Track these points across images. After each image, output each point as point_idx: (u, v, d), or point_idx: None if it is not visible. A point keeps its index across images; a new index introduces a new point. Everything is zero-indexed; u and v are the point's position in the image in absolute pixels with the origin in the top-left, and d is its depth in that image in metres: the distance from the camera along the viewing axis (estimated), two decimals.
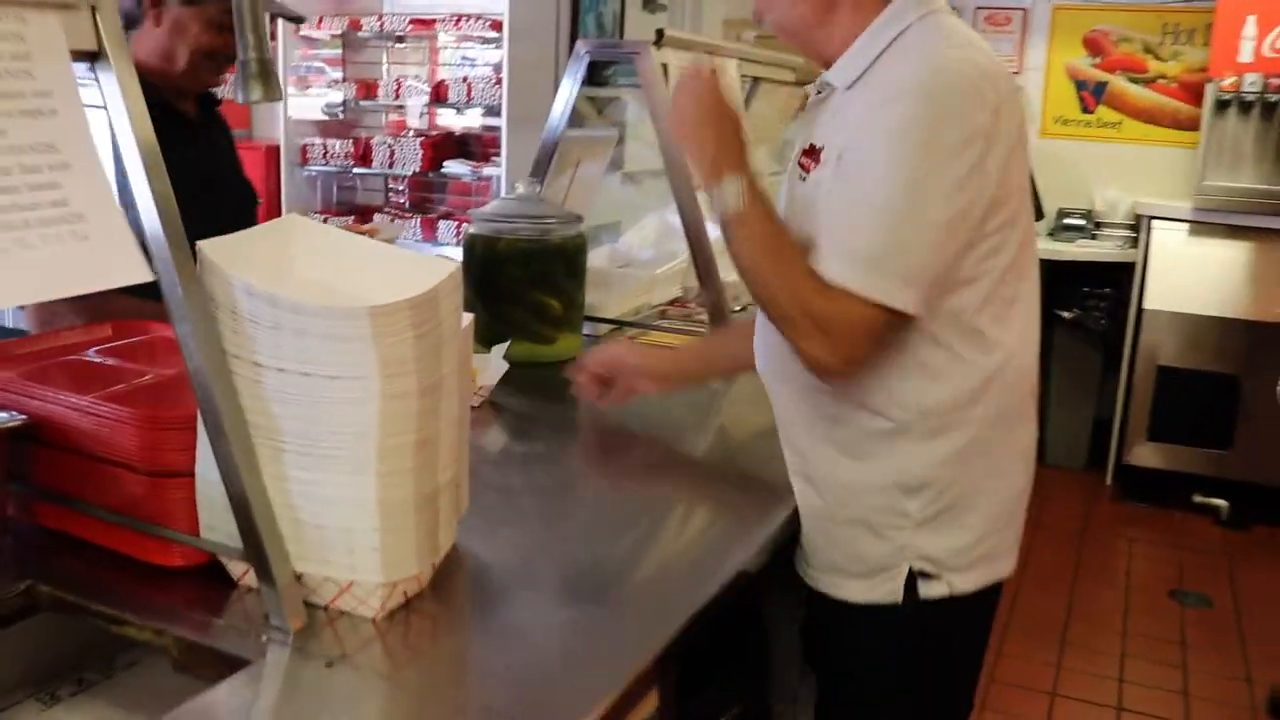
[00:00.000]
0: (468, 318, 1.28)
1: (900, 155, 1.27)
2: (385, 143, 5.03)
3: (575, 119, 2.55)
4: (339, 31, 4.95)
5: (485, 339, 2.21)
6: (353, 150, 5.09)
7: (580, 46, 2.24)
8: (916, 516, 1.39)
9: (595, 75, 2.48)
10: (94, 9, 1.00)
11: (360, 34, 4.96)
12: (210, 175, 1.96)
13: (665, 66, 2.18)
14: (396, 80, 5.09)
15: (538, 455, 1.82)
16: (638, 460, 1.84)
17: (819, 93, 1.46)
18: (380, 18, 4.86)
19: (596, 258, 2.81)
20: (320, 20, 4.98)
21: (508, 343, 2.00)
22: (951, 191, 1.27)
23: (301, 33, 5.05)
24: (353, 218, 5.21)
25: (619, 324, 2.47)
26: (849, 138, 1.33)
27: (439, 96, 4.91)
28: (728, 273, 2.97)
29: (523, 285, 2.18)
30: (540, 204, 2.22)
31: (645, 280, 2.65)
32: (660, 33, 2.13)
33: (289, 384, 1.11)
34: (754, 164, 1.38)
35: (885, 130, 1.29)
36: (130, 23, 1.89)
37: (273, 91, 1.21)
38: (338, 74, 5.25)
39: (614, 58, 2.13)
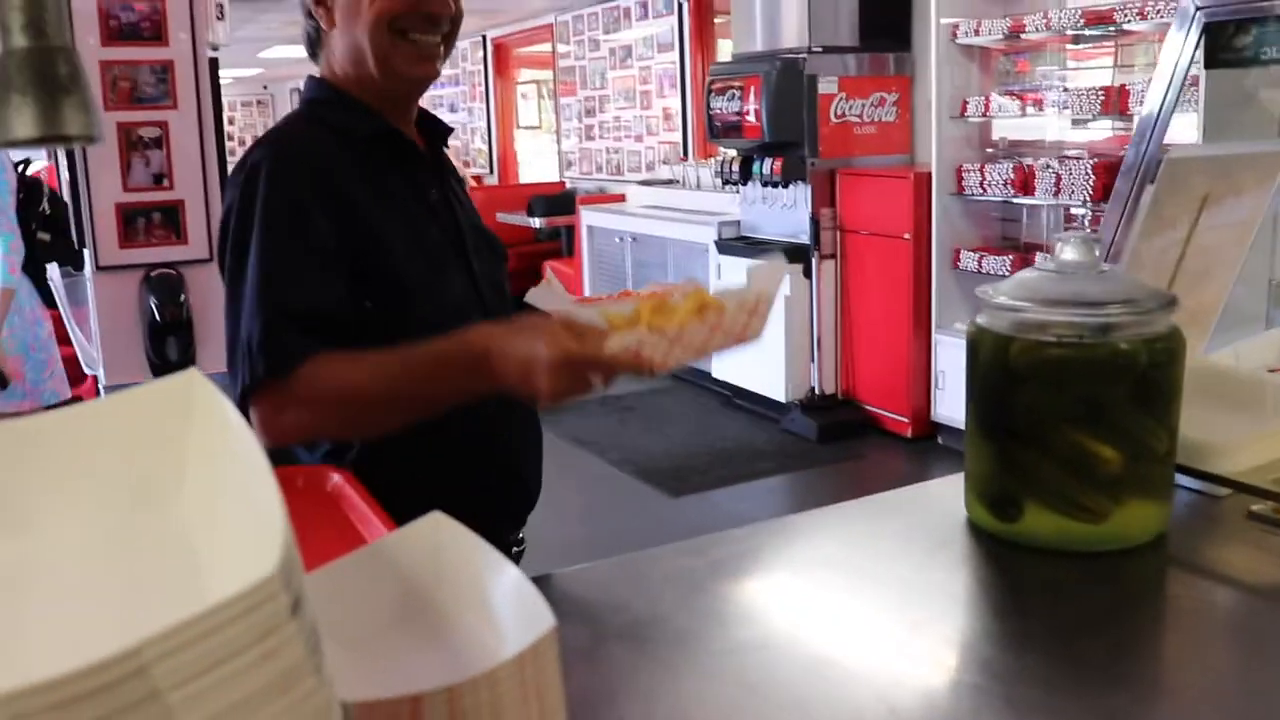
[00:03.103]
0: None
1: None
2: (1050, 167, 4.11)
3: (1221, 125, 1.59)
4: (1000, 37, 4.13)
5: (987, 495, 1.35)
6: (1013, 177, 4.25)
7: (1188, 1, 1.26)
8: None
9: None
10: None
11: (1026, 36, 4.09)
12: (452, 214, 1.52)
13: None
14: (1065, 90, 4.14)
15: None
16: None
17: None
18: (1046, 15, 3.95)
19: (1245, 349, 1.73)
20: (978, 25, 4.21)
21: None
22: None
23: (959, 41, 4.32)
24: (1011, 258, 4.37)
25: (1248, 489, 1.37)
26: None
27: (1121, 108, 3.88)
28: None
29: (1052, 419, 1.27)
30: (1100, 277, 1.29)
31: None
32: None
33: None
34: None
35: None
36: (316, 41, 1.47)
37: (77, 119, 0.54)
38: (1001, 87, 4.43)
39: (1254, 13, 1.14)
